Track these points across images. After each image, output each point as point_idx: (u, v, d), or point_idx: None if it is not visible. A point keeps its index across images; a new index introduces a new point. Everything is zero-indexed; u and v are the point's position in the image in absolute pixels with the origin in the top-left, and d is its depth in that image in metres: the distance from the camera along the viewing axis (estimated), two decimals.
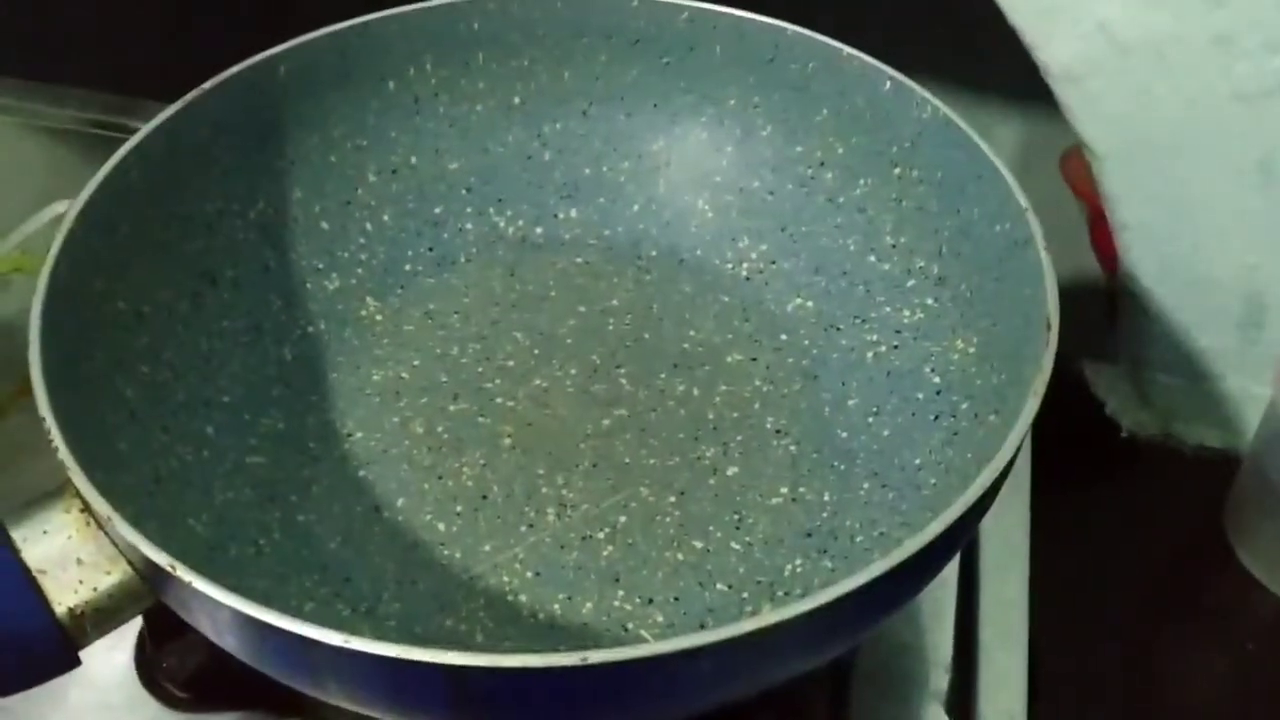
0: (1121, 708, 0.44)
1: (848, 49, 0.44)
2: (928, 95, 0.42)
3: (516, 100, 0.48)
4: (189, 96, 0.41)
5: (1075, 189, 0.52)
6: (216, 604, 0.28)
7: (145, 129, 0.40)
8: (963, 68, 0.52)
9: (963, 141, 0.41)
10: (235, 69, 0.43)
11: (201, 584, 0.28)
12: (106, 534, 0.31)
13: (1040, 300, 0.36)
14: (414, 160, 0.47)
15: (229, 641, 0.30)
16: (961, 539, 0.32)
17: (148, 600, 0.32)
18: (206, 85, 0.42)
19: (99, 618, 0.31)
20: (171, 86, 0.42)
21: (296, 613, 0.37)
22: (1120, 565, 0.48)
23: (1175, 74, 0.42)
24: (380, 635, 0.37)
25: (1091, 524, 0.49)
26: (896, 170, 0.44)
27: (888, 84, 0.43)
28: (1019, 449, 0.32)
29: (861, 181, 0.45)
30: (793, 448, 0.42)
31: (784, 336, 0.45)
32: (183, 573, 0.28)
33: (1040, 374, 0.33)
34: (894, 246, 0.44)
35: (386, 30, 0.45)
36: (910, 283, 0.44)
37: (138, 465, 0.37)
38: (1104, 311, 0.52)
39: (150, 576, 0.30)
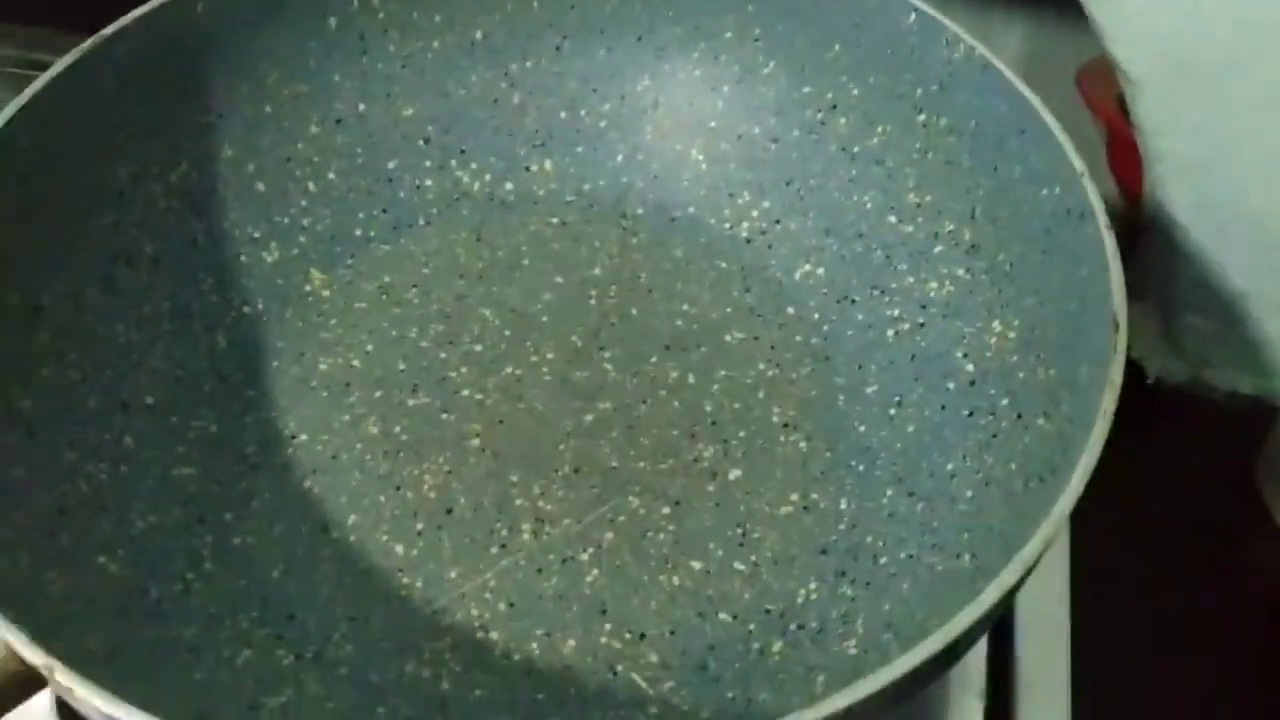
0: (1153, 670, 0.41)
1: None
2: (960, 31, 0.36)
3: (479, 35, 0.42)
4: (86, 45, 0.36)
5: (1093, 107, 0.47)
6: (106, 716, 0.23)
7: (31, 88, 0.34)
8: None
9: (1003, 88, 0.35)
10: (144, 9, 0.37)
11: (87, 691, 0.23)
12: None
13: (1099, 284, 0.31)
14: (362, 108, 0.42)
15: None
16: (1006, 607, 0.26)
17: (39, 686, 0.26)
18: (107, 30, 0.36)
19: None
20: (108, 16, 0.36)
21: (232, 662, 0.32)
22: (1146, 520, 0.44)
23: None
24: (330, 685, 0.32)
25: (1115, 475, 0.45)
26: (921, 117, 0.38)
27: (912, 16, 0.38)
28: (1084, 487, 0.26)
29: (880, 129, 0.40)
30: (803, 444, 0.37)
31: (791, 310, 0.40)
32: (63, 676, 0.23)
33: (1110, 389, 0.28)
34: (918, 206, 0.39)
35: None
36: (937, 249, 0.38)
37: (37, 495, 0.32)
38: (1123, 241, 0.47)
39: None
